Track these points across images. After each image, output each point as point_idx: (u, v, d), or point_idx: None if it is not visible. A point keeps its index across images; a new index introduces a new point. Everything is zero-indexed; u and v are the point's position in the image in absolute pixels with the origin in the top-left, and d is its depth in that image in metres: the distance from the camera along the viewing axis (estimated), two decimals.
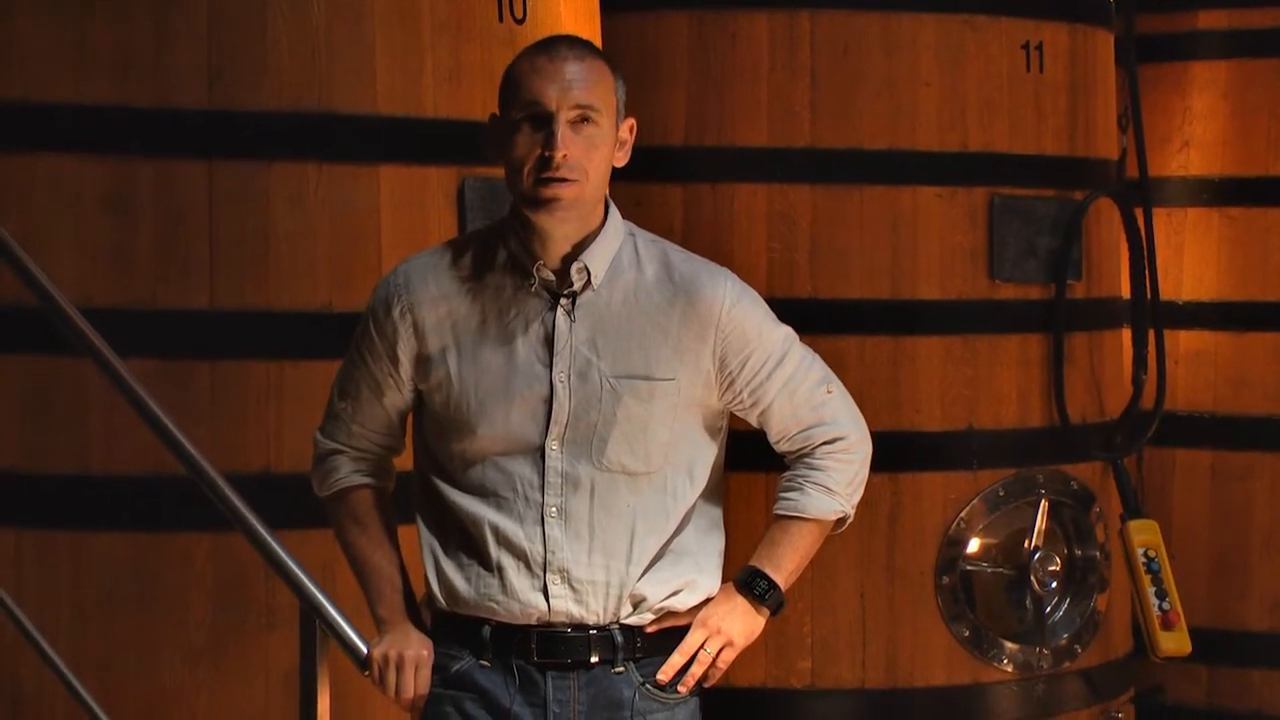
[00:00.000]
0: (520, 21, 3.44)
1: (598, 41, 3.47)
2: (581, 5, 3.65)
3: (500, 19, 3.42)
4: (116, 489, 3.19)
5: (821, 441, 2.46)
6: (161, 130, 3.22)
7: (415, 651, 2.42)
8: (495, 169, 3.41)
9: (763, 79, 4.16)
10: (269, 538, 2.57)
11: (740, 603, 2.45)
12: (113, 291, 3.19)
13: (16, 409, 3.21)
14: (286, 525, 2.72)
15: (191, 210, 3.21)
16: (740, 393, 2.43)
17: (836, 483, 2.46)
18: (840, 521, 2.50)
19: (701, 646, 2.43)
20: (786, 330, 2.47)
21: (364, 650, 2.46)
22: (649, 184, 4.04)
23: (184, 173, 3.22)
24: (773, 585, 2.45)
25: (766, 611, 2.46)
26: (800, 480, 2.46)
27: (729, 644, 2.44)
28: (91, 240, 3.20)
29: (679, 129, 4.18)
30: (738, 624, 2.44)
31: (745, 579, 2.45)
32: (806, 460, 2.46)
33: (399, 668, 2.41)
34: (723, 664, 2.45)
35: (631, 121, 2.44)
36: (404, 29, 3.33)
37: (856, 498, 2.51)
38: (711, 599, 2.46)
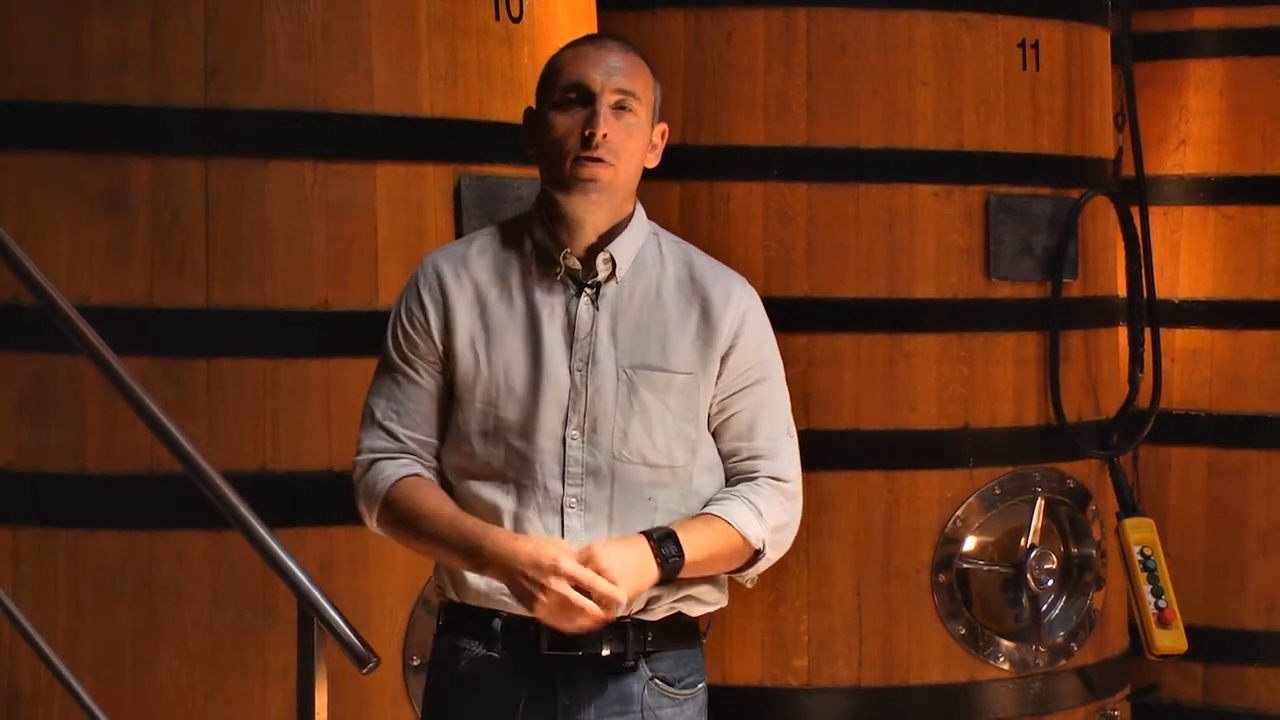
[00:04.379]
0: (517, 20, 3.45)
1: None
2: (579, 3, 3.66)
3: (497, 17, 3.42)
4: (113, 487, 3.19)
5: (769, 475, 2.44)
6: (158, 129, 3.21)
7: (554, 549, 2.29)
8: (492, 167, 3.43)
9: (759, 77, 4.16)
10: (266, 536, 2.56)
11: (646, 555, 2.33)
12: (109, 290, 3.18)
13: (13, 407, 3.21)
14: (284, 524, 2.72)
15: (188, 209, 3.20)
16: (716, 395, 2.44)
17: (769, 515, 2.41)
18: (752, 560, 2.42)
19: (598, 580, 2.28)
20: (779, 358, 2.49)
21: (362, 649, 2.46)
22: (645, 181, 4.04)
23: (180, 171, 3.21)
24: (680, 556, 2.34)
25: (658, 577, 2.34)
26: (739, 495, 2.41)
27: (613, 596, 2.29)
28: (88, 238, 3.20)
29: (675, 127, 4.17)
30: (633, 579, 2.31)
31: (662, 536, 2.34)
32: (749, 484, 2.43)
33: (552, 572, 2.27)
34: (599, 607, 2.29)
35: (664, 126, 2.47)
36: (400, 27, 3.33)
37: (774, 552, 2.44)
38: (716, 611, 2.46)
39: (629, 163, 2.38)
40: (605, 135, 2.34)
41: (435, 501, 2.39)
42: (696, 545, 2.36)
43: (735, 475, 2.44)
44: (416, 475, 2.42)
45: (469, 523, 2.36)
